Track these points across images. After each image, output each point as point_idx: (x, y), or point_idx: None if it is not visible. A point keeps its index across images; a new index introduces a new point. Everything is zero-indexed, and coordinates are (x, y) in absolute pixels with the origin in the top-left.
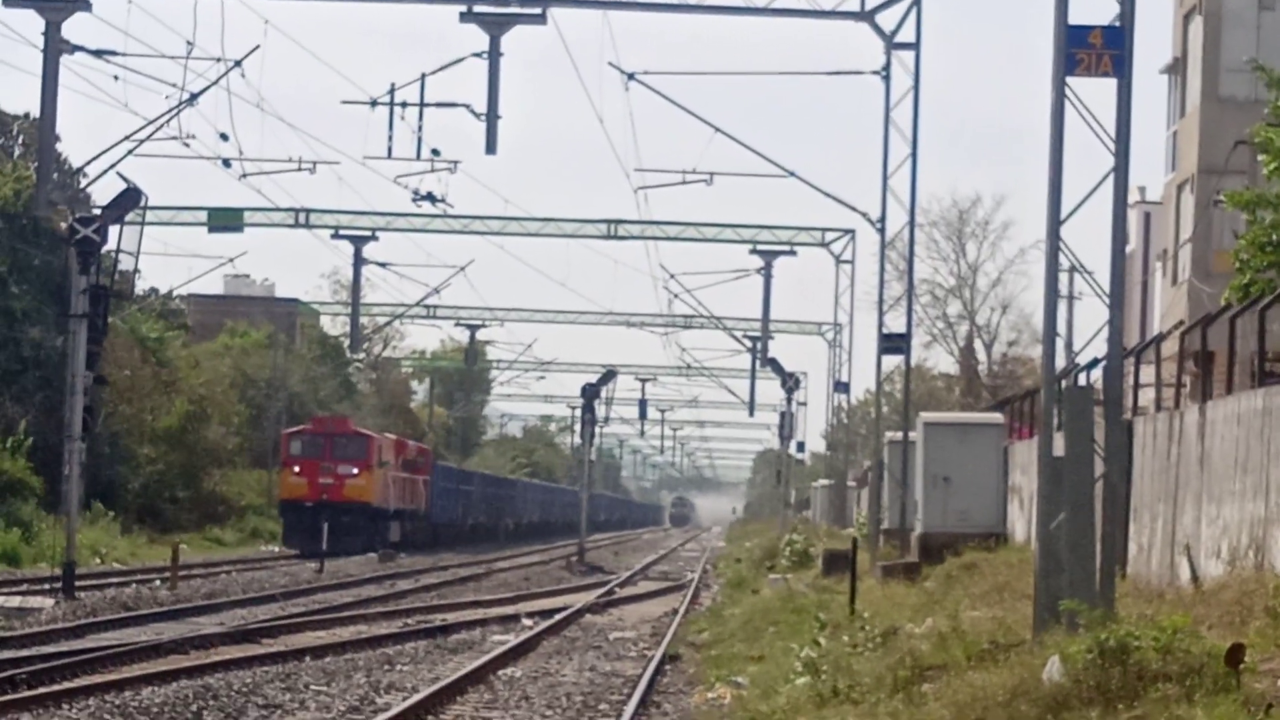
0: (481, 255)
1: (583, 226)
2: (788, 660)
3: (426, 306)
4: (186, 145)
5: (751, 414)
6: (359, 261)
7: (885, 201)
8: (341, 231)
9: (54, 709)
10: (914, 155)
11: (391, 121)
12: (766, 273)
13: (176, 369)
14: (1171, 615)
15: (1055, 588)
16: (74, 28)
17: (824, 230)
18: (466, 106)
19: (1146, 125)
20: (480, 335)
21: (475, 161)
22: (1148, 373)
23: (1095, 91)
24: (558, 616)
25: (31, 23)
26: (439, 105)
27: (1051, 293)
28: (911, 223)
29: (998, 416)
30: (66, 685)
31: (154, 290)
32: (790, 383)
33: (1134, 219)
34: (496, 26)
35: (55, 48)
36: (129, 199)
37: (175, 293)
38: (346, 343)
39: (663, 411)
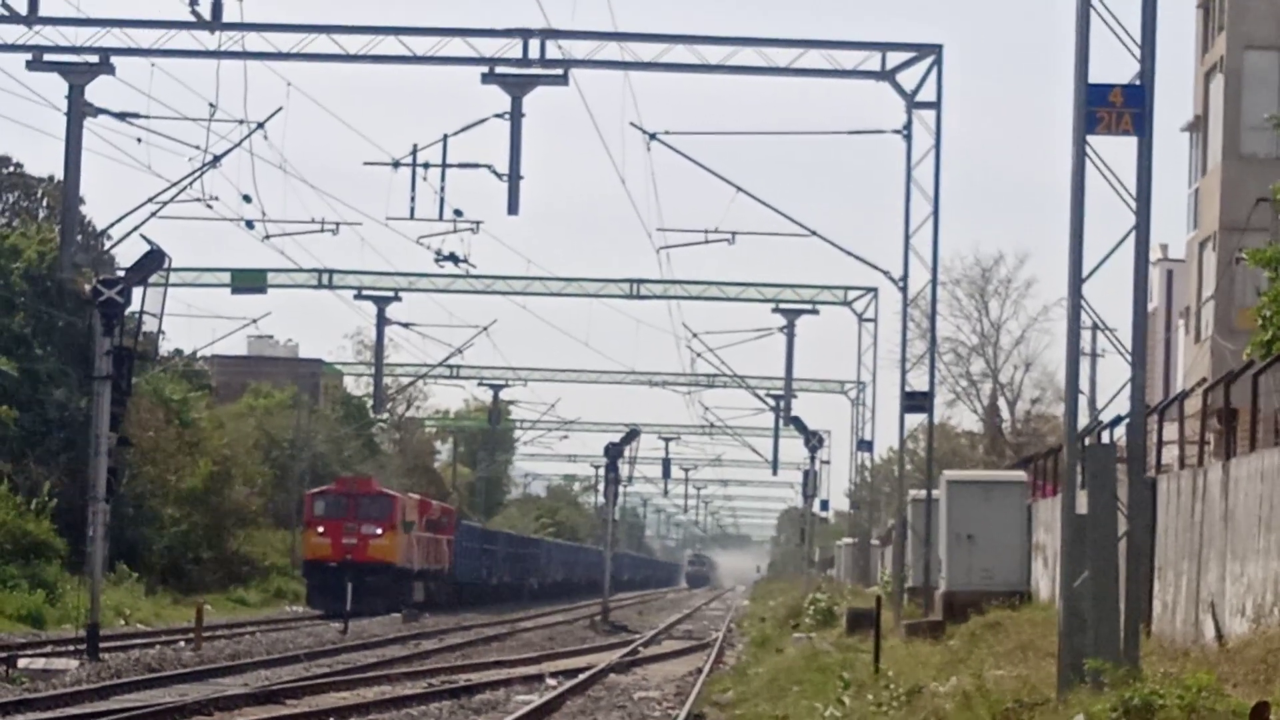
0: (504, 315)
1: (605, 286)
2: None
3: (450, 366)
4: (209, 207)
5: (775, 472)
6: (382, 322)
7: (907, 260)
8: (364, 292)
9: None
10: (935, 213)
11: (414, 182)
12: (789, 331)
13: (200, 430)
14: (1196, 673)
15: (1079, 646)
16: (97, 91)
17: (846, 289)
18: (488, 167)
19: (1168, 182)
20: (503, 395)
21: (497, 222)
22: (1171, 430)
23: (1116, 149)
24: (582, 676)
25: (55, 86)
26: (461, 166)
27: (1074, 350)
28: (934, 281)
29: (1021, 474)
30: None
31: (178, 351)
32: (814, 441)
33: (1156, 276)
34: (518, 87)
35: (79, 111)
36: (153, 261)
37: (199, 354)
38: (370, 403)
39: (686, 470)
